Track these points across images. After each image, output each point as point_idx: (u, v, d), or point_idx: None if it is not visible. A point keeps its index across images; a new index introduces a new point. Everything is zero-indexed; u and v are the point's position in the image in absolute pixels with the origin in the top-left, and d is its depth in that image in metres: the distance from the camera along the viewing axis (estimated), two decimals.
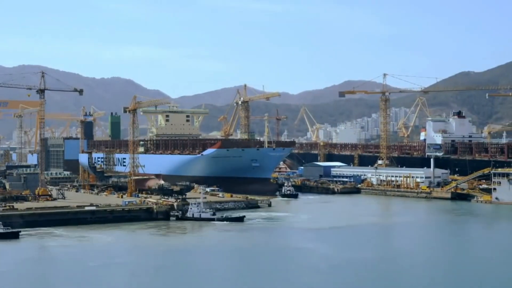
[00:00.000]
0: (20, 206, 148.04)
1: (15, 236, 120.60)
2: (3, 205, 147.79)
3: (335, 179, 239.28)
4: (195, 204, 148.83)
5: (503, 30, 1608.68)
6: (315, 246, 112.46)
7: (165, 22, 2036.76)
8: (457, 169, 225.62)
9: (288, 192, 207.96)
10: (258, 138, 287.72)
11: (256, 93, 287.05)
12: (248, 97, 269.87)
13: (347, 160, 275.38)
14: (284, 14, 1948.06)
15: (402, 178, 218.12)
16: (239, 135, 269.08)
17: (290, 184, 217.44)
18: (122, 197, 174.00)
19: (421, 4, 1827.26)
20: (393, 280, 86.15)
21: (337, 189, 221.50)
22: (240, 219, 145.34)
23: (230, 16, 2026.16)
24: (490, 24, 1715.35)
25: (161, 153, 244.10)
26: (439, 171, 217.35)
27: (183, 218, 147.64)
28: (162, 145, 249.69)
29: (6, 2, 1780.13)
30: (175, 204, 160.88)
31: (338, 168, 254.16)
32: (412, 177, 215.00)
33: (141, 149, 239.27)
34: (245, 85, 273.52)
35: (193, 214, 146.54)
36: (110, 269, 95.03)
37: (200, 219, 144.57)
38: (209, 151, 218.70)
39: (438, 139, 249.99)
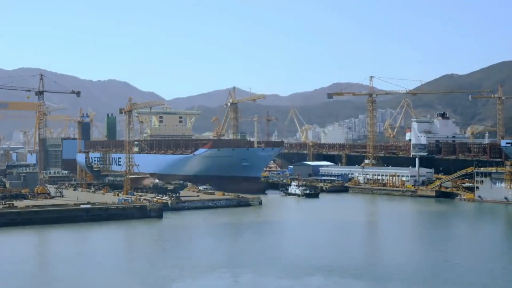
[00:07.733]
0: (20, 204, 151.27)
1: None
2: (3, 203, 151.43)
3: (323, 177, 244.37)
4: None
5: (486, 34, 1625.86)
6: None
7: (163, 22, 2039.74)
8: (441, 168, 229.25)
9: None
10: (249, 139, 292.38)
11: (247, 95, 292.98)
12: (236, 99, 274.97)
13: (335, 160, 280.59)
14: (276, 18, 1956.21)
15: (388, 177, 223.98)
16: (231, 136, 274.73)
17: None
18: (118, 195, 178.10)
19: (406, 7, 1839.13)
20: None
21: (325, 188, 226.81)
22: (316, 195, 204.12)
23: (226, 16, 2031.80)
24: (473, 28, 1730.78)
25: (155, 153, 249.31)
26: (424, 170, 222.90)
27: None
28: (156, 145, 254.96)
29: (6, 5, 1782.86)
30: (169, 202, 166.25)
31: (327, 167, 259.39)
32: (398, 176, 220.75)
33: (136, 149, 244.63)
34: (233, 88, 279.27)
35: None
36: None
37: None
38: (201, 151, 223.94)
39: (423, 139, 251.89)
